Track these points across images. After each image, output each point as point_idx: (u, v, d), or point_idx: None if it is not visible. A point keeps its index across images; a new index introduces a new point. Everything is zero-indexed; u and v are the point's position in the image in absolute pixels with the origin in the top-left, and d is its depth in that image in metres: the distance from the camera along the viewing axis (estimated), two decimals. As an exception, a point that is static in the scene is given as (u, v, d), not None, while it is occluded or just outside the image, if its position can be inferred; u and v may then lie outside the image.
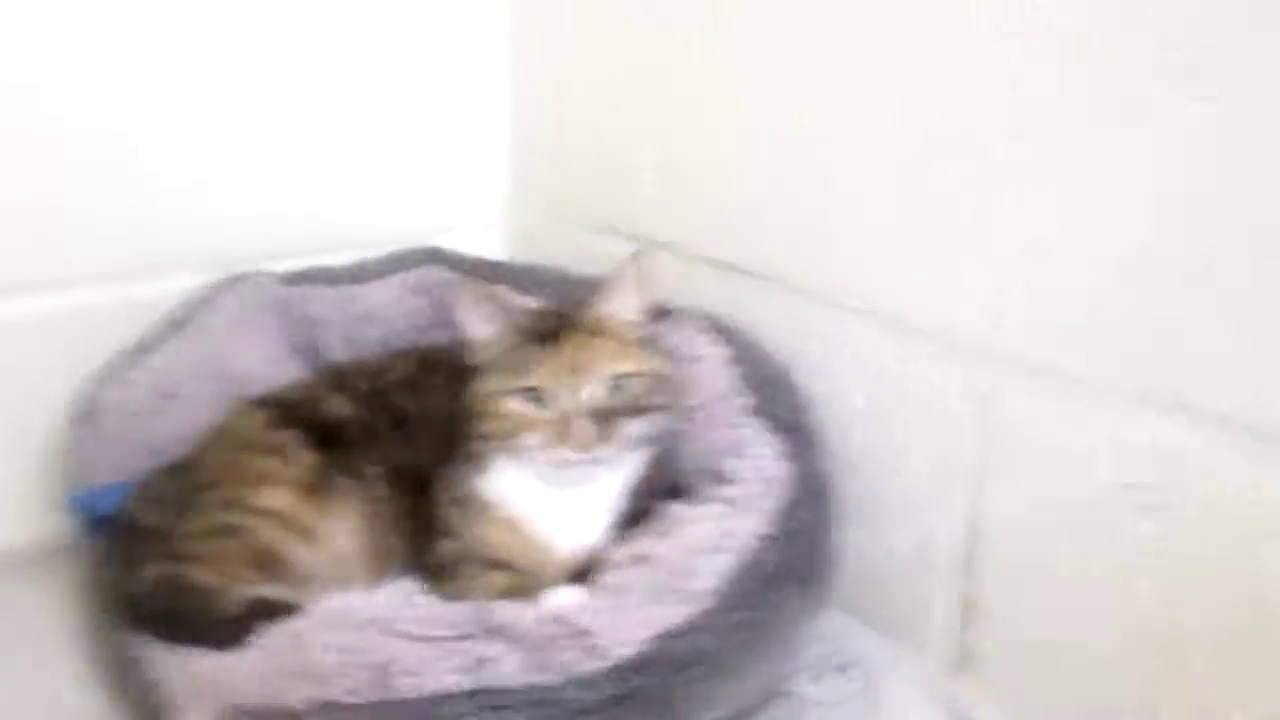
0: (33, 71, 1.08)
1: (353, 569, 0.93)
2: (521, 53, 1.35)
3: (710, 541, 0.78)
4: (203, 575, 0.87)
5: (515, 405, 0.86)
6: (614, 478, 0.90)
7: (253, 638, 0.79)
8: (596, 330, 0.88)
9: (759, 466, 0.84)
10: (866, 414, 0.96)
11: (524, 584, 0.86)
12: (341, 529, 0.93)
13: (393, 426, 0.99)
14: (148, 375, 1.03)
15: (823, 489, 0.87)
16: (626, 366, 0.86)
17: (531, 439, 0.85)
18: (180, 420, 1.03)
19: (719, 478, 0.87)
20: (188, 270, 1.17)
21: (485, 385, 0.88)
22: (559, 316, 0.90)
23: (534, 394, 0.85)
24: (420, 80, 1.32)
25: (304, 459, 0.94)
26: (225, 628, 0.82)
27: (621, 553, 0.80)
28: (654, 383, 0.88)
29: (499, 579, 0.88)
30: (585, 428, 0.83)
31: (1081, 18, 0.74)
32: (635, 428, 0.86)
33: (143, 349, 1.04)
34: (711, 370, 0.95)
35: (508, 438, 0.86)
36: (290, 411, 0.99)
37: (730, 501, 0.82)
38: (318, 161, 1.26)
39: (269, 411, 0.99)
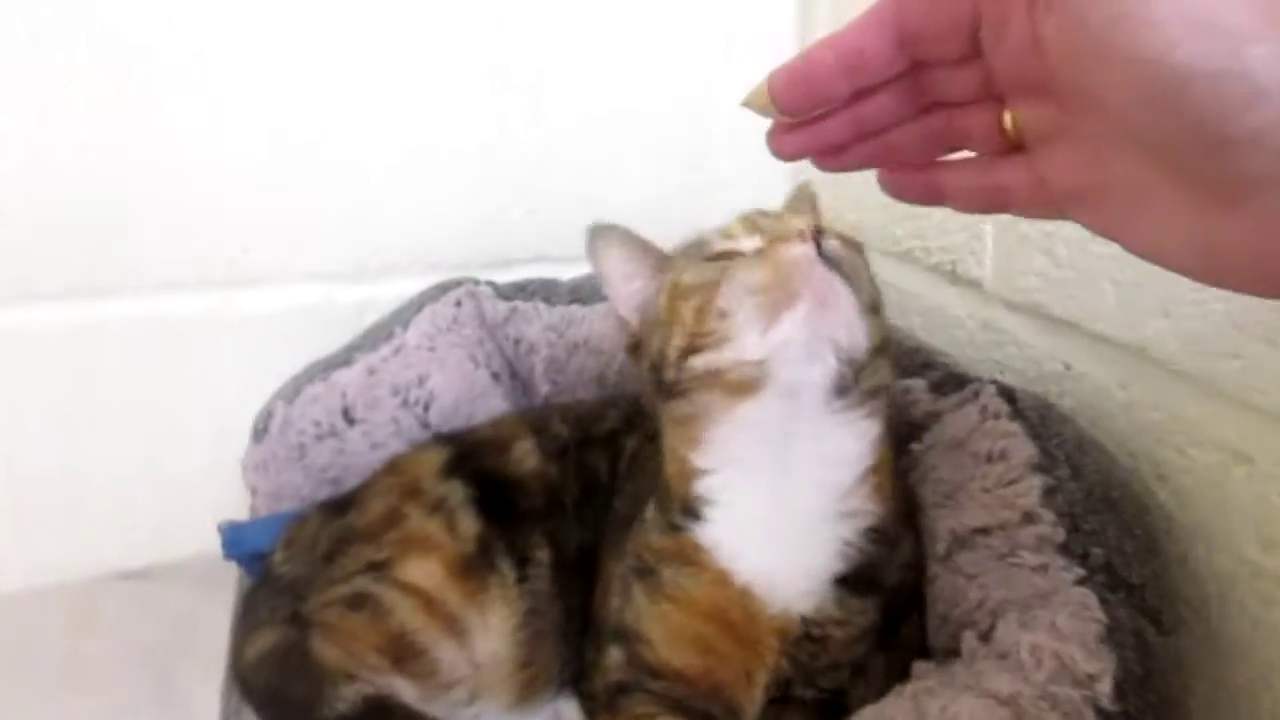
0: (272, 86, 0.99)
1: (499, 681, 0.73)
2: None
3: (961, 771, 0.49)
4: (326, 651, 0.71)
5: (710, 274, 0.64)
6: (850, 445, 0.65)
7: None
8: None
9: (1061, 648, 0.54)
10: (1262, 574, 0.62)
11: None
12: (494, 626, 0.73)
13: (580, 495, 0.79)
14: (330, 393, 0.89)
15: (1169, 698, 0.55)
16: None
17: (745, 275, 0.62)
18: (360, 448, 0.89)
19: (994, 648, 0.58)
20: (409, 274, 1.04)
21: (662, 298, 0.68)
22: None
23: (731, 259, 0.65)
24: (691, 74, 1.11)
25: (466, 526, 0.76)
26: None
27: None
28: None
29: None
30: (802, 221, 0.62)
31: None
32: (865, 297, 0.63)
33: (330, 363, 0.91)
34: (1006, 475, 0.65)
35: (706, 317, 0.63)
36: (470, 455, 0.81)
37: (1007, 702, 0.53)
38: (558, 154, 1.08)
39: (446, 452, 0.82)
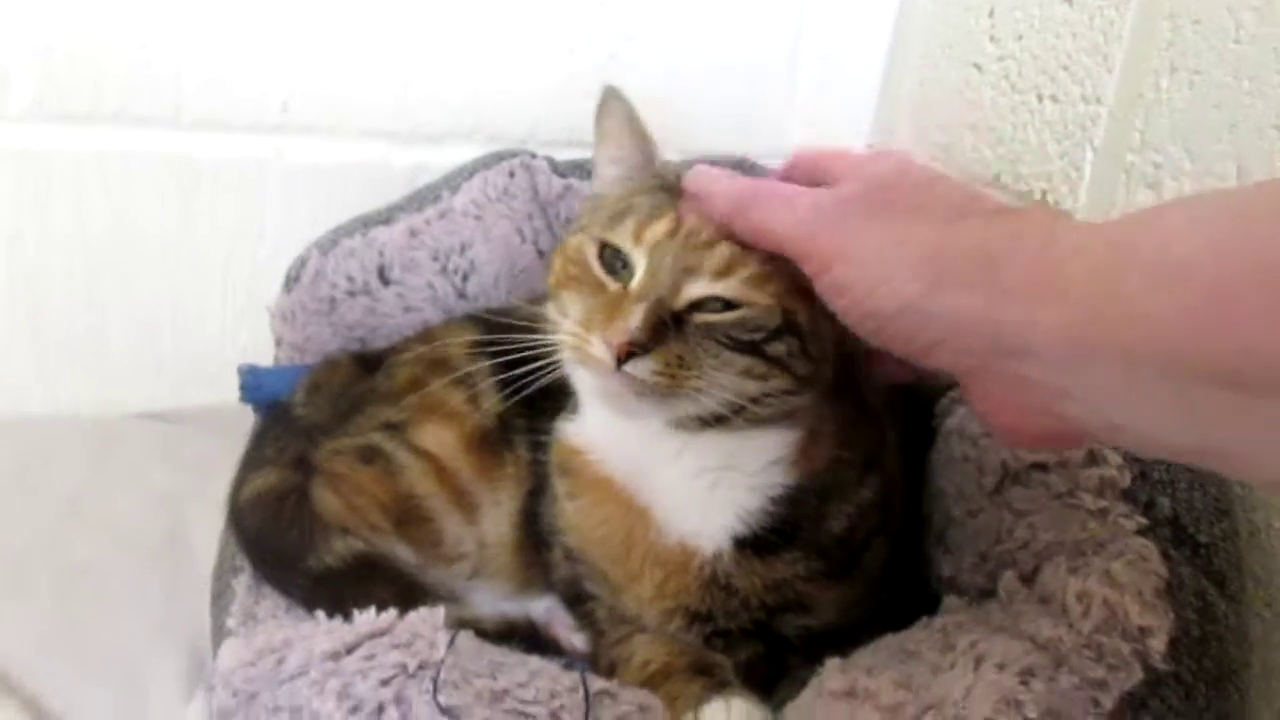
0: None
1: (504, 565, 0.70)
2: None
3: (987, 709, 0.45)
4: (327, 500, 0.69)
5: (590, 261, 0.59)
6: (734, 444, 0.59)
7: (348, 611, 0.57)
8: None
9: (1112, 596, 0.49)
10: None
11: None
12: (504, 505, 0.70)
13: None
14: (368, 249, 0.85)
15: (1227, 667, 0.50)
16: (747, 291, 0.55)
17: (575, 309, 0.57)
18: (393, 309, 0.86)
19: (1036, 591, 0.53)
20: (469, 142, 1.00)
21: (573, 233, 0.63)
22: None
23: (618, 260, 0.58)
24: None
25: (490, 403, 0.72)
26: (311, 580, 0.65)
27: (835, 679, 0.49)
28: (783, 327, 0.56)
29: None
30: (637, 320, 0.52)
31: None
32: (721, 377, 0.54)
33: (371, 219, 0.87)
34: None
35: (555, 299, 0.60)
36: (500, 333, 0.77)
37: (1045, 647, 0.48)
38: (643, 31, 1.02)
39: (478, 329, 0.78)
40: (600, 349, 0.53)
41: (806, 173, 0.54)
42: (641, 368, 0.52)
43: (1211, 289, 0.34)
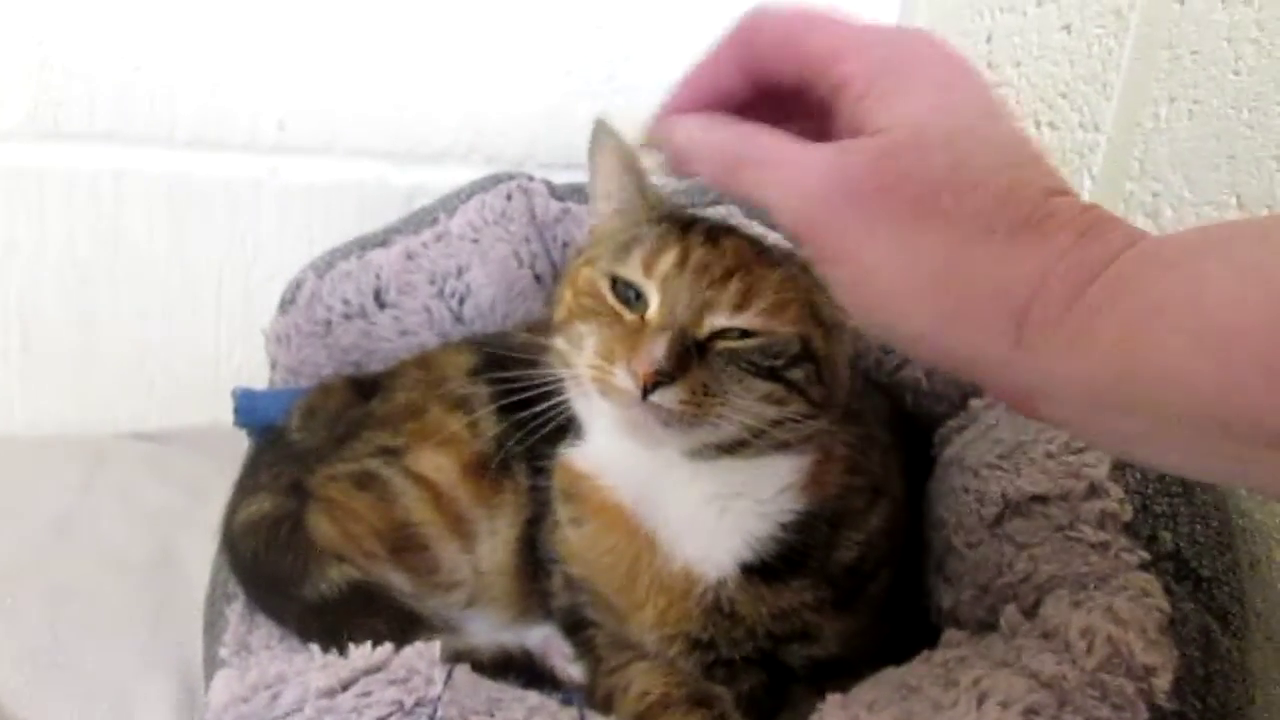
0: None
1: (501, 592, 0.69)
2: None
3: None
4: (322, 527, 0.68)
5: (604, 293, 0.59)
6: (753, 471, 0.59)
7: (343, 641, 0.56)
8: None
9: (1116, 633, 0.49)
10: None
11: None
12: (501, 533, 0.70)
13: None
14: (364, 272, 0.85)
15: (1231, 704, 0.50)
16: (765, 320, 0.56)
17: (591, 340, 0.57)
18: (388, 333, 0.85)
19: (1038, 626, 0.52)
20: (466, 163, 1.01)
21: (579, 264, 0.63)
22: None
23: (631, 291, 0.58)
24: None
25: (489, 428, 0.71)
26: (306, 610, 0.64)
27: (835, 715, 0.49)
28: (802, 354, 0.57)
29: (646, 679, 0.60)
30: (662, 349, 0.52)
31: None
32: (743, 403, 0.54)
33: (367, 241, 0.86)
34: (1075, 441, 0.59)
35: (565, 331, 0.59)
36: (499, 359, 0.76)
37: (1048, 684, 0.47)
38: (641, 52, 1.02)
39: (476, 355, 0.77)
40: (625, 379, 0.53)
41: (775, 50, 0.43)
42: (668, 397, 0.52)
43: (1264, 358, 0.32)
